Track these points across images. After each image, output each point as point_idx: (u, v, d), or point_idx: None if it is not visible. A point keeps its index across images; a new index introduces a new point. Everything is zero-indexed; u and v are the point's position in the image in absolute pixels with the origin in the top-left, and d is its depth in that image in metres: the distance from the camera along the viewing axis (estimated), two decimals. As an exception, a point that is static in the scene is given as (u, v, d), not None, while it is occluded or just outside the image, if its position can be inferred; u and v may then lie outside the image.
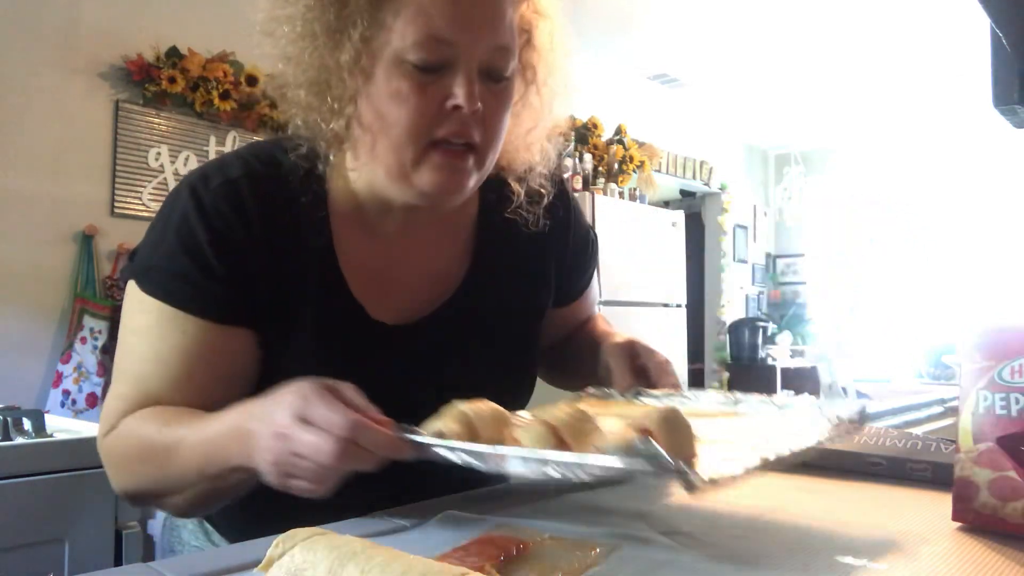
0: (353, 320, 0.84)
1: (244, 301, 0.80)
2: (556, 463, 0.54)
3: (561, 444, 0.58)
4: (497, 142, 0.82)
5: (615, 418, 0.68)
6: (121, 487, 0.80)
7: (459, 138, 0.77)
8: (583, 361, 1.02)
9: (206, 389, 0.80)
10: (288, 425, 0.63)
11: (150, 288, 0.79)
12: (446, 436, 0.63)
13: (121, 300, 0.84)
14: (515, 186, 0.93)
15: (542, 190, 0.94)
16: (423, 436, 0.63)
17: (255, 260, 0.80)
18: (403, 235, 0.89)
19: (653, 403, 0.87)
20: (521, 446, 0.59)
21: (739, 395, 0.88)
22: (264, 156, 0.85)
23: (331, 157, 0.84)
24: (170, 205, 0.83)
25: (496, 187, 0.93)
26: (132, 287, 0.82)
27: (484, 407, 0.67)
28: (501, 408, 0.68)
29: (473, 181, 0.82)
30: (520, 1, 0.82)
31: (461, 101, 0.75)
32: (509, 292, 0.95)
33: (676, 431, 0.56)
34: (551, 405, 0.84)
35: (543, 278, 0.99)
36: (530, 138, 0.91)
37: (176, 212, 0.81)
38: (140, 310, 0.80)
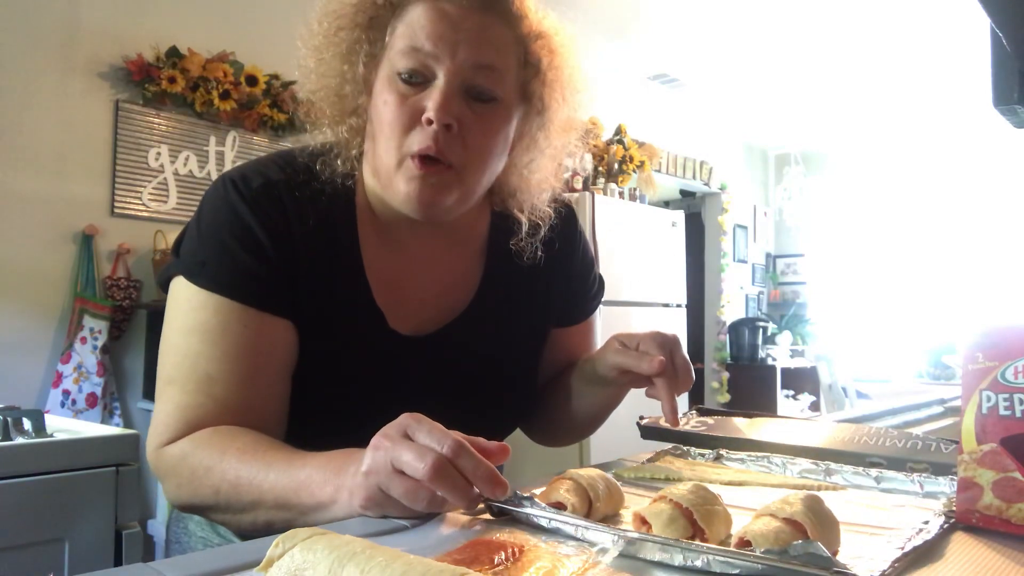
0: (373, 327, 0.86)
1: (290, 293, 0.81)
2: (704, 557, 0.52)
3: (693, 527, 0.57)
4: (481, 163, 0.84)
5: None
6: (178, 499, 0.79)
7: (431, 152, 0.79)
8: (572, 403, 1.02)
9: (271, 384, 0.80)
10: (391, 437, 0.62)
11: (205, 282, 0.79)
12: (565, 508, 0.62)
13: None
14: (521, 217, 0.95)
15: (542, 222, 0.96)
16: (544, 507, 0.61)
17: (296, 258, 0.82)
18: (417, 247, 0.91)
19: (736, 466, 0.88)
20: (650, 527, 0.58)
21: (831, 464, 0.83)
22: (297, 163, 0.87)
23: (348, 166, 0.87)
24: (212, 203, 0.84)
25: (508, 216, 0.95)
26: (181, 284, 0.81)
27: (598, 477, 0.67)
28: (614, 480, 0.68)
29: (454, 197, 0.83)
30: (525, 33, 0.85)
31: (432, 114, 0.78)
32: (515, 313, 0.97)
33: (824, 524, 0.56)
34: (650, 465, 0.84)
35: (547, 302, 1.02)
36: (537, 171, 0.93)
37: (223, 208, 0.82)
38: (193, 307, 0.79)
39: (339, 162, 0.86)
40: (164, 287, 0.84)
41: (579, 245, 1.06)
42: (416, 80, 0.80)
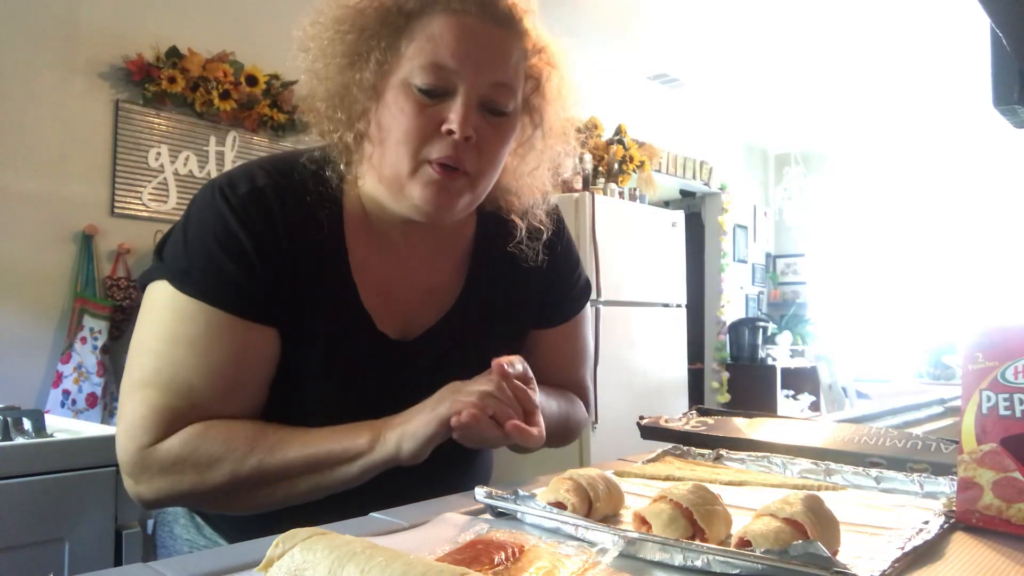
0: (361, 330, 0.87)
1: (275, 302, 0.82)
2: (704, 557, 0.52)
3: (693, 527, 0.57)
4: (492, 171, 0.87)
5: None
6: (173, 493, 0.79)
7: (450, 162, 0.81)
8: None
9: (252, 396, 0.82)
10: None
11: (191, 289, 0.79)
12: (565, 508, 0.63)
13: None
14: (518, 221, 0.97)
15: (541, 226, 0.98)
16: (544, 507, 0.62)
17: (282, 264, 0.82)
18: (405, 249, 0.92)
19: (736, 466, 0.88)
20: (650, 527, 0.58)
21: (831, 464, 0.84)
22: (285, 168, 0.88)
23: (344, 170, 0.87)
24: (199, 209, 0.84)
25: (496, 218, 0.97)
26: (164, 289, 0.80)
27: (598, 477, 0.67)
28: (614, 480, 0.69)
29: (464, 202, 0.85)
30: (529, 48, 0.87)
31: (454, 126, 0.80)
32: (497, 314, 0.98)
33: (824, 524, 0.56)
34: (650, 465, 0.84)
35: (529, 302, 1.02)
36: (533, 177, 0.95)
37: (209, 216, 0.82)
38: (180, 317, 0.79)
39: (343, 166, 0.87)
40: (144, 288, 0.84)
41: (563, 245, 1.06)
42: (436, 93, 0.81)
